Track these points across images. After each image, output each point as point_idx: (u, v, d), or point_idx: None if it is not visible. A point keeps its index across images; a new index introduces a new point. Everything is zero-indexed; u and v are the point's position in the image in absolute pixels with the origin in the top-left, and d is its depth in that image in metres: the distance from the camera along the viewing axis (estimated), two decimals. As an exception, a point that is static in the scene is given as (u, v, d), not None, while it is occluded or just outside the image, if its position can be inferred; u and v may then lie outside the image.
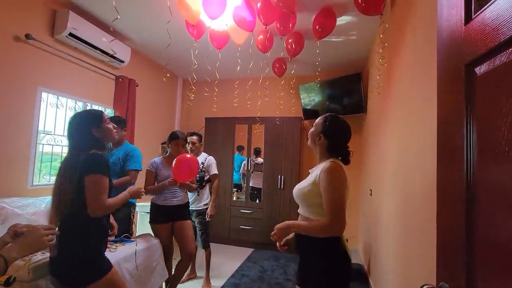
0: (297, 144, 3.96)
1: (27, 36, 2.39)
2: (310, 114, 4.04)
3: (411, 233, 1.45)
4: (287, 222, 1.30)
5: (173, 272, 2.36)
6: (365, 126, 3.67)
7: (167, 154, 2.41)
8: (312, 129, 1.39)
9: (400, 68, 1.87)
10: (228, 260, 3.44)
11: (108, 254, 1.55)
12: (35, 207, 2.07)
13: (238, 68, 3.02)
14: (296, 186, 1.39)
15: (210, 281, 2.71)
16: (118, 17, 2.04)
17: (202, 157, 2.82)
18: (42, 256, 1.43)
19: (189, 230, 2.35)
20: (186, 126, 4.79)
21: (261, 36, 2.71)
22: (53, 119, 2.79)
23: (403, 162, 1.70)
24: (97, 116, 1.44)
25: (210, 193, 2.81)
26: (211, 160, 2.83)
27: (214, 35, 2.68)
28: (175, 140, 2.34)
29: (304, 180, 1.37)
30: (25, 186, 2.41)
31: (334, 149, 1.33)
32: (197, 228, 2.68)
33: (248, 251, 3.85)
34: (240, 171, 4.45)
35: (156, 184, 2.29)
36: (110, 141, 1.54)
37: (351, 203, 3.80)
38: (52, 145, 2.78)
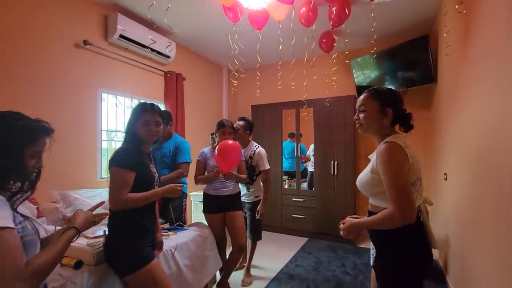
0: (351, 126, 3.58)
1: (85, 42, 2.61)
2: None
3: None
4: (352, 221, 1.18)
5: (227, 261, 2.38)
6: (436, 99, 3.11)
7: (216, 143, 2.39)
8: (363, 113, 1.20)
9: (487, 18, 1.44)
10: (281, 249, 3.37)
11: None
12: (102, 197, 2.28)
13: (280, 47, 2.81)
14: (358, 177, 1.26)
15: (251, 273, 2.66)
16: (154, 3, 2.03)
17: (251, 149, 2.58)
18: (103, 242, 1.52)
19: (239, 222, 2.31)
20: (233, 116, 4.81)
21: (303, 9, 2.46)
22: (114, 118, 3.05)
23: (495, 138, 1.32)
24: (139, 110, 1.46)
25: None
26: (261, 153, 2.53)
27: (253, 16, 2.52)
28: (222, 128, 2.30)
29: (364, 169, 1.23)
30: (95, 179, 2.69)
31: (400, 117, 1.18)
32: (248, 220, 2.61)
33: (301, 240, 3.71)
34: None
35: (205, 172, 2.31)
36: (147, 139, 1.47)
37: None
38: (115, 141, 3.05)
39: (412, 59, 3.13)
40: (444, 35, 2.20)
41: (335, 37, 3.12)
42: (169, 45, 3.36)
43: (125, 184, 1.33)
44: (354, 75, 3.66)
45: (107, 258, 1.41)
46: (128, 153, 1.38)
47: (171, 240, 1.85)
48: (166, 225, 2.12)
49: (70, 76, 2.51)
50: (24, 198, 0.88)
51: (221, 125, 2.31)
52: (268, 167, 2.54)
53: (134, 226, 1.40)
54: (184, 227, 2.16)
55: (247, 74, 4.31)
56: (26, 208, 1.82)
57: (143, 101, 1.50)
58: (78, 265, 1.40)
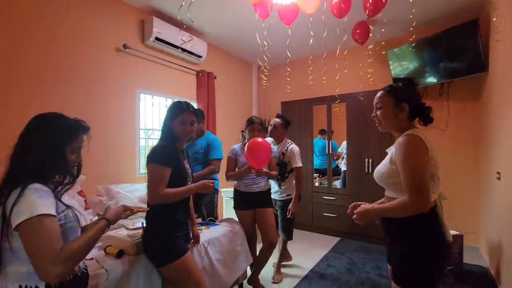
0: (387, 121, 3.38)
1: (124, 46, 2.78)
2: (403, 84, 3.37)
3: None
4: (364, 207, 1.20)
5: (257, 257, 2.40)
6: (486, 89, 2.81)
7: (246, 140, 2.41)
8: (380, 110, 1.22)
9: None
10: (311, 248, 3.31)
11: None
12: (140, 191, 2.43)
13: (311, 41, 2.73)
14: (376, 168, 1.28)
15: (281, 270, 2.64)
16: (183, 3, 2.09)
17: (284, 146, 2.54)
18: (142, 233, 1.62)
19: (270, 218, 2.31)
20: (263, 113, 4.82)
21: (336, 0, 2.36)
22: (151, 117, 3.22)
23: None
24: (176, 109, 1.51)
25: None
26: (293, 150, 2.49)
27: (282, 11, 2.48)
28: (251, 125, 2.31)
29: (382, 161, 1.25)
30: (134, 174, 2.87)
31: (418, 111, 1.18)
32: (279, 219, 2.58)
33: (333, 240, 3.61)
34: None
35: (236, 170, 2.34)
36: (182, 137, 1.53)
37: (468, 190, 3.03)
38: (152, 139, 3.22)
39: (458, 46, 2.85)
40: (494, 19, 1.97)
41: (370, 26, 2.96)
42: (201, 45, 3.45)
43: (162, 180, 1.39)
44: (391, 67, 3.44)
45: (144, 249, 1.49)
46: (165, 151, 1.44)
47: (204, 235, 1.91)
48: (199, 220, 2.19)
49: (111, 78, 2.70)
50: (66, 189, 0.96)
51: (250, 122, 2.33)
52: (300, 164, 2.49)
53: (169, 220, 1.46)
54: (215, 223, 2.21)
55: (276, 70, 4.28)
56: (76, 200, 2.00)
57: (178, 100, 1.56)
58: (120, 254, 1.51)
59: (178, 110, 1.50)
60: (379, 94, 1.24)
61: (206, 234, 1.93)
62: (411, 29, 2.57)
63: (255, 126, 2.31)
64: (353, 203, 1.31)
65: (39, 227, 0.78)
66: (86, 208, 2.05)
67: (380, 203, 1.32)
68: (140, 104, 3.02)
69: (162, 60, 3.18)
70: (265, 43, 2.42)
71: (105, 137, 2.63)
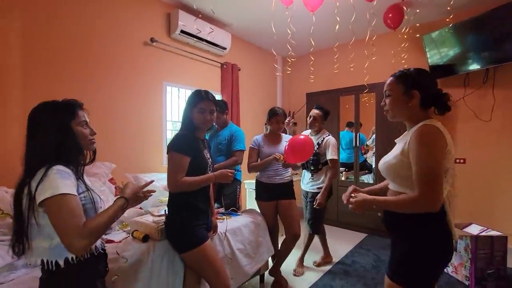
0: (421, 112, 3.14)
1: (152, 39, 2.86)
2: (441, 71, 3.11)
3: None
4: (364, 196, 1.13)
5: (279, 249, 2.39)
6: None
7: (268, 131, 2.38)
8: (389, 98, 1.14)
9: None
10: (336, 243, 3.22)
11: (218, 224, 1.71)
12: (165, 181, 2.51)
13: (337, 27, 2.59)
14: (382, 159, 1.19)
15: (304, 264, 2.62)
16: None
17: (321, 136, 2.50)
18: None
19: (293, 210, 2.29)
20: (287, 104, 4.74)
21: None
22: (177, 109, 3.30)
23: None
24: (195, 98, 1.51)
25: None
26: (329, 141, 2.43)
27: (307, -4, 2.39)
28: (275, 116, 2.28)
29: (390, 152, 1.17)
30: (160, 164, 2.98)
31: (432, 98, 1.08)
32: (307, 212, 2.54)
33: (359, 236, 3.49)
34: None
35: (259, 161, 2.33)
36: (201, 127, 1.54)
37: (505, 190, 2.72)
38: (178, 130, 3.30)
39: (506, 28, 2.55)
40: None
41: (405, 8, 2.73)
42: (225, 37, 3.45)
43: (181, 168, 1.41)
44: (428, 54, 3.18)
45: (167, 235, 1.54)
46: (184, 140, 1.46)
47: (225, 224, 1.93)
48: (221, 210, 2.22)
49: (139, 71, 2.80)
50: (85, 164, 1.03)
51: (273, 114, 2.28)
52: (335, 157, 2.42)
53: (189, 208, 1.49)
54: (237, 213, 2.23)
55: (301, 60, 4.16)
56: (107, 187, 2.12)
57: (197, 89, 1.56)
58: (146, 238, 1.58)
59: (198, 98, 1.50)
60: (388, 80, 1.16)
61: (228, 224, 1.95)
62: (448, 8, 2.32)
63: (279, 118, 2.27)
64: (353, 186, 1.25)
65: (63, 204, 0.84)
66: (116, 195, 2.17)
67: (380, 189, 1.29)
68: (166, 96, 3.11)
69: (187, 52, 3.23)
70: (289, 31, 2.35)
71: (133, 128, 2.75)
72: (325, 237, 2.74)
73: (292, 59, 3.64)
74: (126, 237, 1.62)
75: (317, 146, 2.46)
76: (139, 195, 1.09)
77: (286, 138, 2.41)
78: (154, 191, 1.18)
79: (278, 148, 2.28)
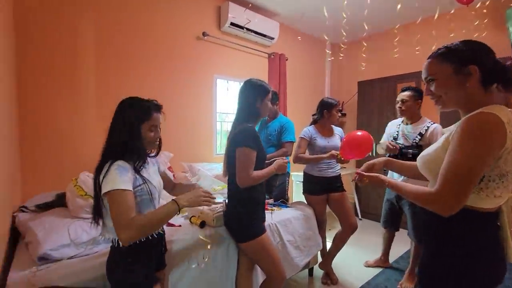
0: (500, 101, 2.71)
1: (203, 33, 2.96)
2: (528, 52, 2.62)
3: None
4: (380, 177, 1.06)
5: (331, 243, 2.34)
6: None
7: (318, 122, 2.30)
8: (433, 82, 0.89)
9: None
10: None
11: (267, 215, 1.72)
12: (217, 170, 2.62)
13: (399, 6, 2.34)
14: (422, 152, 0.98)
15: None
16: None
17: (423, 125, 2.10)
18: (222, 208, 1.75)
19: (347, 202, 2.24)
20: (336, 94, 4.52)
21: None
22: (225, 101, 3.39)
23: None
24: (265, 89, 1.52)
25: None
26: (437, 130, 2.04)
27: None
28: (332, 108, 2.19)
29: (433, 144, 0.95)
30: (211, 155, 3.11)
31: (495, 74, 0.82)
32: (408, 215, 2.16)
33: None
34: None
35: (307, 152, 2.27)
36: (263, 117, 1.62)
37: None
38: (227, 122, 3.40)
39: None
40: None
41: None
42: (273, 26, 3.40)
43: (252, 163, 1.40)
44: (510, 30, 2.70)
45: (226, 225, 1.60)
46: (253, 133, 1.44)
47: (276, 215, 1.94)
48: (271, 201, 2.24)
49: (191, 64, 2.93)
50: (143, 164, 1.09)
51: (331, 105, 2.19)
52: None
53: (252, 201, 1.51)
54: (287, 205, 2.23)
55: (352, 46, 3.90)
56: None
57: (257, 79, 1.56)
58: (202, 224, 1.67)
59: (267, 90, 1.52)
60: (426, 63, 0.92)
61: (278, 215, 1.96)
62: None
63: (337, 109, 2.20)
64: (371, 163, 1.19)
65: (118, 198, 0.95)
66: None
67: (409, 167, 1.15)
68: (217, 89, 3.21)
69: (236, 45, 3.27)
70: (344, 14, 2.19)
71: (187, 120, 2.90)
72: (392, 238, 2.49)
73: (344, 46, 3.43)
74: (184, 222, 1.74)
75: (419, 137, 2.06)
76: (197, 202, 1.13)
77: (337, 130, 2.31)
78: (210, 205, 1.21)
79: (332, 141, 2.21)
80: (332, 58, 4.37)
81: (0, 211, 1.39)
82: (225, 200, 1.62)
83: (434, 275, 0.88)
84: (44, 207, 1.67)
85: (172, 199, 1.08)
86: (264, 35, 3.37)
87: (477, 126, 0.76)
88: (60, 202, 1.70)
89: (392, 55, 2.85)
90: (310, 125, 2.33)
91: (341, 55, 3.41)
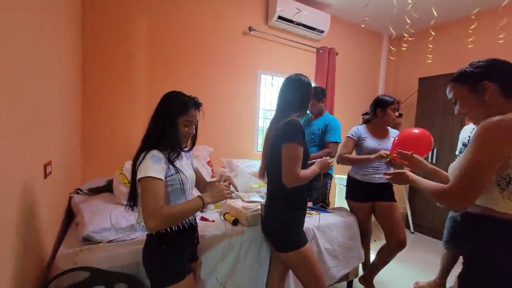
0: None
1: (250, 28, 2.92)
2: None
3: None
4: (406, 173, 1.17)
5: (372, 258, 2.11)
6: None
7: (371, 122, 2.08)
8: (459, 103, 1.00)
9: None
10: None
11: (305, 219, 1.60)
12: (256, 168, 2.57)
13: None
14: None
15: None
16: None
17: None
18: (256, 207, 1.69)
19: (395, 213, 1.96)
20: (392, 92, 4.09)
21: None
22: (269, 97, 3.32)
23: None
24: (308, 85, 1.44)
25: None
26: None
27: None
28: (389, 105, 1.94)
29: None
30: (252, 151, 3.08)
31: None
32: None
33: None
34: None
35: (354, 153, 2.07)
36: (304, 115, 1.49)
37: None
38: (269, 119, 3.33)
39: None
40: None
41: None
42: (323, 19, 3.20)
43: (300, 159, 1.26)
44: None
45: (265, 231, 1.46)
46: (300, 127, 1.30)
47: (314, 220, 1.81)
48: (309, 204, 2.10)
49: (236, 60, 2.92)
50: (177, 155, 1.12)
51: (388, 102, 1.94)
52: None
53: (296, 205, 1.36)
54: (327, 210, 2.07)
55: (415, 38, 3.46)
56: (205, 169, 2.33)
57: (300, 74, 1.48)
58: (235, 222, 1.63)
59: (310, 86, 1.45)
60: (448, 88, 1.05)
61: (316, 220, 1.83)
62: None
63: (391, 107, 1.94)
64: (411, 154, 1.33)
65: (148, 186, 0.98)
66: (212, 177, 2.35)
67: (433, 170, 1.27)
68: (260, 85, 3.16)
69: (283, 39, 3.16)
70: (409, 0, 1.92)
71: (229, 115, 2.91)
72: (454, 262, 2.14)
73: (407, 37, 3.05)
74: (217, 218, 1.73)
75: None
76: (220, 196, 1.14)
77: (392, 133, 2.04)
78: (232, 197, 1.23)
79: (384, 143, 1.96)
80: (394, 49, 3.96)
81: (60, 192, 1.55)
82: (262, 203, 1.50)
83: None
84: (95, 191, 1.82)
85: (199, 196, 1.10)
86: (313, 29, 3.20)
87: (485, 131, 0.83)
88: (109, 187, 1.84)
89: (466, 46, 2.42)
90: (361, 125, 2.12)
91: (404, 45, 3.03)
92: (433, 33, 2.77)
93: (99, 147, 2.29)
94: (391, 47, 3.94)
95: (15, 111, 0.87)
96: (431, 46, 2.92)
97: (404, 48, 3.08)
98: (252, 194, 1.96)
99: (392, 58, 3.82)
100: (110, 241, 1.33)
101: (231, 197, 1.18)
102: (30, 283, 1.03)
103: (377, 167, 1.96)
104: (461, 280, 0.92)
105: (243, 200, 1.79)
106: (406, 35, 2.89)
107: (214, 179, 1.55)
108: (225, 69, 2.85)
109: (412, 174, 1.14)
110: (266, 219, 1.42)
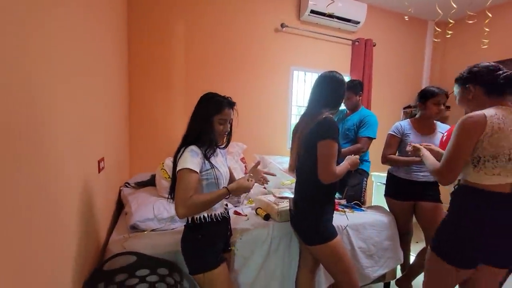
0: None
1: (282, 25, 2.92)
2: None
3: None
4: (422, 149, 1.48)
5: (412, 260, 2.00)
6: None
7: (418, 116, 1.95)
8: (458, 99, 1.32)
9: None
10: None
11: (336, 216, 1.58)
12: (287, 164, 2.57)
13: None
14: None
15: None
16: None
17: None
18: (287, 204, 1.71)
19: (439, 216, 1.80)
20: (439, 82, 3.75)
21: None
22: (302, 93, 3.29)
23: None
24: (341, 81, 1.42)
25: None
26: None
27: None
28: (433, 97, 1.80)
29: None
30: (285, 147, 3.09)
31: (498, 86, 1.16)
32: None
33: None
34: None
35: (397, 153, 1.95)
36: (337, 110, 1.46)
37: None
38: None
39: None
40: None
41: None
42: (359, 9, 3.06)
43: (335, 156, 1.29)
44: None
45: (294, 225, 1.50)
46: (335, 125, 1.31)
47: (347, 218, 1.78)
48: (343, 202, 2.06)
49: (268, 57, 2.94)
50: (213, 152, 1.20)
51: (432, 94, 1.80)
52: None
53: (327, 200, 1.39)
54: (361, 208, 2.01)
55: (461, 24, 3.13)
56: (238, 165, 2.41)
57: (333, 71, 1.45)
58: (267, 217, 1.68)
59: (343, 82, 1.44)
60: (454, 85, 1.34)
61: (350, 218, 1.79)
62: None
63: (440, 98, 1.78)
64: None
65: (183, 176, 1.07)
66: (245, 173, 2.43)
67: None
68: (293, 81, 3.14)
69: (316, 33, 3.10)
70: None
71: (262, 112, 2.95)
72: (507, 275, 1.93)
73: (460, 20, 2.79)
74: (250, 212, 1.79)
75: None
76: (244, 185, 1.19)
77: (442, 128, 1.89)
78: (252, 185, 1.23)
79: (430, 140, 1.80)
80: (438, 40, 3.64)
81: (111, 186, 1.74)
82: (291, 198, 1.53)
83: (442, 238, 1.22)
84: (140, 185, 2.01)
85: (224, 186, 1.18)
86: (348, 20, 3.08)
87: (457, 126, 1.14)
88: (152, 181, 2.01)
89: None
90: (404, 120, 2.00)
91: (449, 32, 2.77)
92: (490, 14, 2.47)
93: (144, 145, 2.50)
94: (438, 31, 3.61)
95: (77, 112, 1.02)
96: (487, 29, 2.61)
97: (449, 35, 2.81)
98: (284, 190, 1.99)
99: (437, 40, 3.49)
100: (153, 230, 1.47)
101: (251, 185, 1.22)
102: (90, 262, 1.20)
103: (422, 164, 1.83)
104: (441, 223, 1.25)
105: (274, 196, 1.82)
106: (451, 21, 2.63)
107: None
108: (258, 67, 2.89)
109: (426, 151, 1.44)
110: (295, 212, 1.46)
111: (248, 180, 1.20)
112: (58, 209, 0.86)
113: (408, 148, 1.62)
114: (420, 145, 1.66)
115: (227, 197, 1.17)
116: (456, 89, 1.31)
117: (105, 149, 1.51)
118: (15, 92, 0.62)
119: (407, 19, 2.96)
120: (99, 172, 1.34)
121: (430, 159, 1.33)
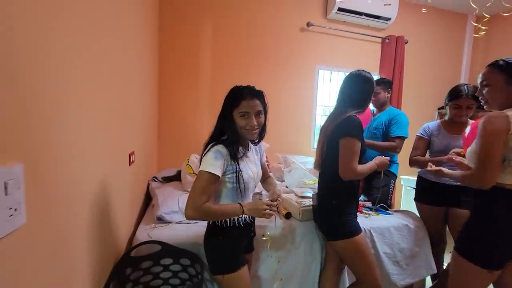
0: None
1: (308, 24, 2.89)
2: None
3: None
4: (442, 169, 1.38)
5: (444, 267, 1.88)
6: None
7: (447, 118, 1.85)
8: (486, 88, 1.20)
9: None
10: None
11: (361, 219, 1.53)
12: (311, 165, 2.54)
13: None
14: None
15: None
16: None
17: None
18: (309, 203, 1.69)
19: None
20: (476, 82, 3.48)
21: None
22: (327, 93, 3.22)
23: None
24: (370, 80, 1.42)
25: None
26: None
27: None
28: (455, 99, 1.70)
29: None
30: (308, 148, 3.05)
31: None
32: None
33: None
34: None
35: (426, 154, 1.86)
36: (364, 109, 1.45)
37: None
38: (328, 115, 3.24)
39: None
40: None
41: None
42: (389, 4, 2.94)
43: (357, 154, 1.29)
44: None
45: (317, 220, 1.51)
46: (358, 123, 1.31)
47: (372, 221, 1.72)
48: (368, 204, 1.99)
49: (294, 56, 2.92)
50: (242, 150, 1.12)
51: (455, 95, 1.70)
52: None
53: (350, 195, 1.39)
54: (388, 211, 1.92)
55: (500, 17, 2.87)
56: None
57: (361, 70, 1.44)
58: (288, 216, 1.67)
59: (372, 81, 1.43)
60: (485, 70, 1.22)
61: (375, 220, 1.72)
62: None
63: (462, 102, 1.68)
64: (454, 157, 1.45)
65: (202, 178, 1.01)
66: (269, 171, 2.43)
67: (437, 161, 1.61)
68: (318, 80, 3.09)
69: (343, 32, 3.02)
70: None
71: (286, 111, 2.94)
72: None
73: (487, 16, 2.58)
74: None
75: None
76: (258, 213, 1.09)
77: None
78: (269, 217, 1.12)
79: (458, 140, 1.71)
80: (479, 35, 3.37)
81: (141, 179, 1.85)
82: (314, 193, 1.53)
83: (471, 242, 1.18)
84: (167, 179, 2.10)
85: (239, 203, 1.09)
86: (378, 17, 2.97)
87: (483, 124, 1.11)
88: (178, 176, 2.10)
89: None
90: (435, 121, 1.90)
91: (482, 28, 2.57)
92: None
93: (172, 141, 2.61)
94: (479, 26, 3.35)
95: (111, 107, 1.10)
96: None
97: (483, 32, 2.60)
98: (306, 190, 1.96)
99: (480, 34, 3.25)
100: (177, 222, 1.53)
101: (267, 217, 1.10)
102: (120, 248, 1.29)
103: (453, 165, 1.71)
104: (465, 226, 1.22)
105: (296, 195, 1.81)
106: (486, 15, 2.43)
107: (263, 192, 1.56)
108: (283, 65, 2.89)
109: (446, 170, 1.36)
110: (318, 208, 1.47)
111: (265, 210, 1.08)
112: (92, 196, 0.94)
113: (428, 168, 1.51)
114: (441, 158, 1.62)
115: (239, 215, 1.08)
116: (492, 75, 1.19)
117: (136, 143, 1.60)
118: (47, 90, 0.68)
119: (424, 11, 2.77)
120: (129, 164, 1.43)
121: (455, 173, 1.29)
